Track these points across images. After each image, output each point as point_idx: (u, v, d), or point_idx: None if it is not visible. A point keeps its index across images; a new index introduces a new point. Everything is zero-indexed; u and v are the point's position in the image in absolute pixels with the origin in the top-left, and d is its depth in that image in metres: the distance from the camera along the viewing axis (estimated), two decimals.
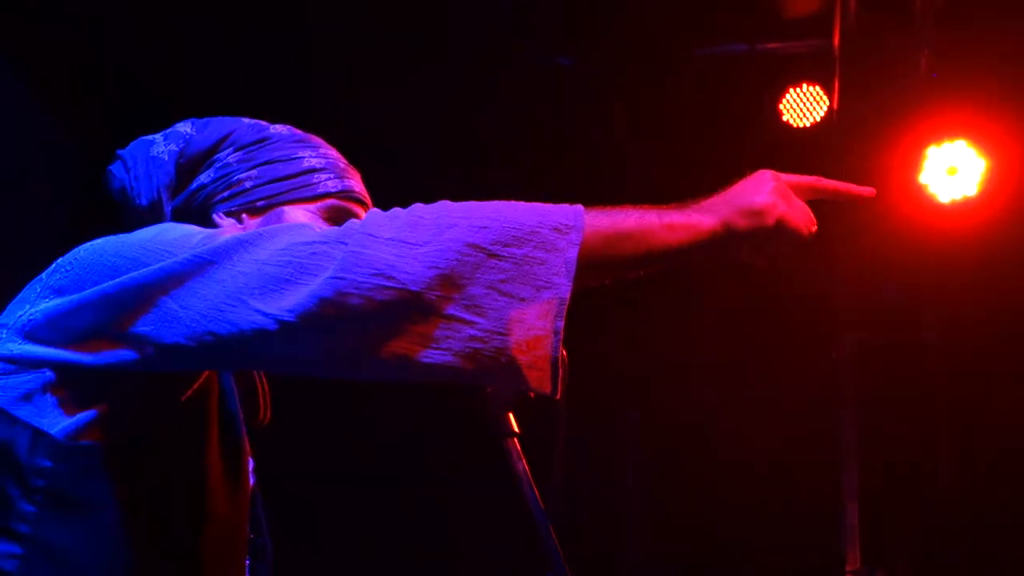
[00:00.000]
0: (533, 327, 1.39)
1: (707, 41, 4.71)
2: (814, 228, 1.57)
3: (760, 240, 1.51)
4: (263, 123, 1.84)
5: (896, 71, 4.48)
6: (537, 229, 1.41)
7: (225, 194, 1.75)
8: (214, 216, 1.75)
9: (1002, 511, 4.70)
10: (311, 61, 4.34)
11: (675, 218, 1.47)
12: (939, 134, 4.51)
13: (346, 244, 1.40)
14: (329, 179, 1.79)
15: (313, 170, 1.78)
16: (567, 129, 4.82)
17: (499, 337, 1.38)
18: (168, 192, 1.76)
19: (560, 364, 1.40)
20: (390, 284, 1.37)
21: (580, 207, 1.45)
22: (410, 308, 1.37)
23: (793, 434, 4.91)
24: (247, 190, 1.75)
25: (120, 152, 1.80)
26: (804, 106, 4.72)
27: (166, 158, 1.76)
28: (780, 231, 1.52)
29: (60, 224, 3.83)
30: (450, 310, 1.38)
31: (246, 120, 1.83)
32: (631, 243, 1.45)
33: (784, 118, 4.75)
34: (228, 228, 1.51)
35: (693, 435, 4.99)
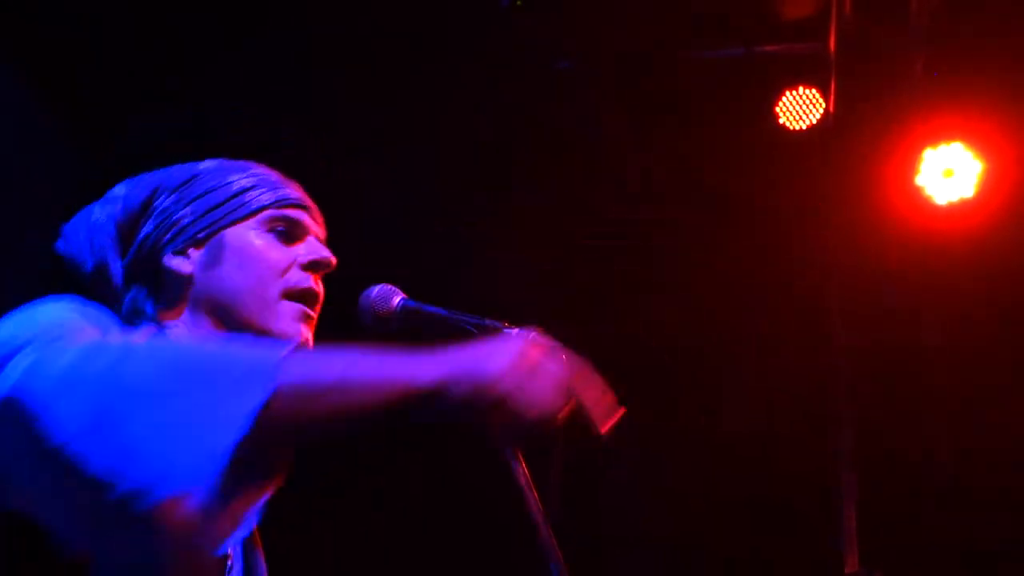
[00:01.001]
0: None
1: (704, 44, 4.72)
2: (556, 406, 1.46)
3: (477, 410, 1.43)
4: (192, 163, 1.86)
5: (892, 73, 4.50)
6: None
7: (168, 236, 1.77)
8: (164, 260, 1.76)
9: (1001, 512, 4.71)
10: (311, 61, 4.35)
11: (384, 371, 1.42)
12: (935, 136, 4.52)
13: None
14: (261, 194, 1.80)
15: (243, 190, 1.80)
16: (565, 131, 4.82)
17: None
18: (114, 252, 1.78)
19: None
20: None
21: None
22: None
23: (791, 435, 4.92)
24: (186, 226, 1.77)
25: (63, 227, 1.84)
26: (800, 109, 4.72)
27: (103, 220, 1.79)
28: (501, 408, 1.43)
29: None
30: None
31: (176, 166, 1.85)
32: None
33: (780, 121, 4.75)
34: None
35: (691, 436, 5.00)
